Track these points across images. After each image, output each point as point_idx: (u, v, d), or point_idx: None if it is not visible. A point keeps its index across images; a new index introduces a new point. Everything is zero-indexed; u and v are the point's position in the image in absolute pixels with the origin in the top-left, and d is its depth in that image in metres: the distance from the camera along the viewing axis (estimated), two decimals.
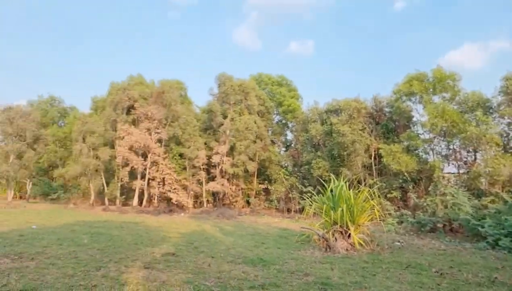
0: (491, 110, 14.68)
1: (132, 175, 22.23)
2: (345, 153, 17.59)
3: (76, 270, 5.81)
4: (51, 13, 59.49)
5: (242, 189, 24.80)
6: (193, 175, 23.30)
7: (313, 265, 6.97)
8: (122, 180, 22.04)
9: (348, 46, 38.91)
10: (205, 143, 23.82)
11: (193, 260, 7.04)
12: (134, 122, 23.29)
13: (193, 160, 22.66)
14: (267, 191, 24.58)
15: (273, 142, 27.14)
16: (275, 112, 28.50)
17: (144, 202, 22.58)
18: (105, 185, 22.98)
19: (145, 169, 22.09)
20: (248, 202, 24.92)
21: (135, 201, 22.42)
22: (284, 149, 29.08)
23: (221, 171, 23.26)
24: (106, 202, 22.89)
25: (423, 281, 6.05)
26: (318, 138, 20.37)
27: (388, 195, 15.09)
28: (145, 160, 22.20)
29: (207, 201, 23.95)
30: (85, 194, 24.24)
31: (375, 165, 16.80)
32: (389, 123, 17.31)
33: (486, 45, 29.54)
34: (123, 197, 23.17)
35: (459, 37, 31.84)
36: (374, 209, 9.73)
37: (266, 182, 24.57)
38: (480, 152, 14.16)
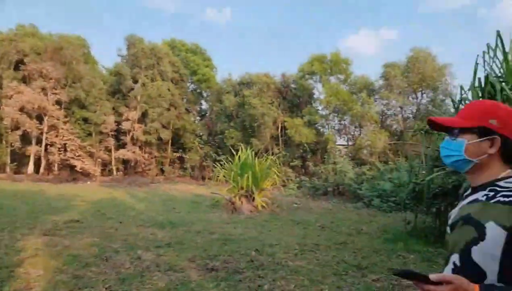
0: (373, 92, 17.30)
1: (26, 139, 20.14)
2: (255, 125, 18.80)
3: None
4: None
5: (155, 157, 24.59)
6: (100, 142, 22.18)
7: (219, 225, 7.82)
8: (13, 145, 19.82)
9: (264, 19, 39.84)
10: (114, 109, 22.59)
11: (100, 226, 7.13)
12: (25, 80, 20.70)
13: (100, 125, 21.49)
14: (181, 159, 24.84)
15: (187, 111, 27.15)
16: (189, 80, 28.26)
17: (42, 170, 20.77)
18: None
19: (41, 133, 20.16)
20: (162, 170, 24.89)
21: (30, 168, 20.35)
22: (199, 118, 29.33)
23: (132, 138, 22.64)
24: None
25: (308, 233, 7.38)
26: (232, 109, 21.19)
27: (291, 163, 16.92)
28: (41, 123, 20.19)
29: (117, 169, 23.22)
30: None
31: (281, 136, 18.45)
32: (294, 99, 18.97)
33: (377, 34, 33.44)
34: (15, 163, 20.92)
35: (358, 22, 35.24)
36: (276, 175, 11.08)
37: (181, 150, 24.75)
38: (364, 127, 16.75)
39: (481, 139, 1.09)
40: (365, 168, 14.51)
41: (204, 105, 29.81)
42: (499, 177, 1.08)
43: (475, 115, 1.12)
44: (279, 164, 12.98)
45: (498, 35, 5.34)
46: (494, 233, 0.96)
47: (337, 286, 4.17)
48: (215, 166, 12.40)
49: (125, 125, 21.78)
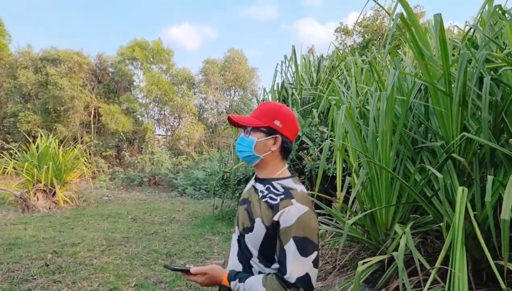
0: (194, 86, 18.12)
1: None
2: (62, 108, 16.33)
3: None
4: None
5: None
6: None
7: (2, 228, 6.47)
8: None
9: None
10: None
11: None
12: None
13: None
14: None
15: None
16: None
17: None
18: None
19: None
20: None
21: None
22: None
23: None
24: None
25: (117, 227, 7.06)
26: (30, 88, 17.60)
27: (104, 153, 15.63)
28: None
29: None
30: None
31: (94, 123, 16.72)
32: (111, 84, 17.54)
33: (200, 30, 35.11)
34: None
35: (182, 15, 35.81)
36: (84, 166, 10.00)
37: None
38: (183, 119, 17.32)
39: (267, 137, 1.25)
40: (181, 158, 15.02)
41: None
42: (275, 176, 1.26)
43: (264, 116, 1.26)
44: (89, 154, 11.81)
45: (293, 50, 6.56)
46: (259, 228, 1.18)
47: (145, 277, 4.24)
48: (2, 155, 10.13)
49: None
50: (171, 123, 17.87)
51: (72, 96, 15.97)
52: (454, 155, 2.46)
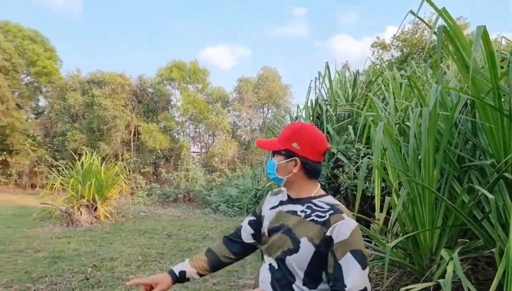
0: (228, 104, 18.50)
1: None
2: (105, 127, 17.27)
3: None
4: None
5: None
6: None
7: (48, 241, 6.81)
8: None
9: (121, 18, 37.17)
10: None
11: None
12: None
13: None
14: (5, 163, 20.44)
15: (19, 106, 22.62)
16: (25, 72, 23.70)
17: None
18: None
19: None
20: None
21: None
22: (34, 116, 24.82)
23: None
24: None
25: (153, 242, 7.19)
26: (77, 109, 18.87)
27: (142, 170, 16.22)
28: None
29: None
30: None
31: (133, 141, 17.49)
32: (151, 103, 18.37)
33: (234, 50, 36.21)
34: None
35: (217, 36, 37.20)
36: (124, 183, 10.39)
37: (5, 153, 20.38)
38: (217, 136, 17.64)
39: (287, 160, 1.27)
40: (215, 175, 15.22)
41: (43, 102, 25.43)
42: (312, 194, 1.27)
43: (283, 139, 1.29)
44: (129, 171, 12.27)
45: (327, 66, 6.47)
46: (306, 247, 1.15)
47: None
48: (51, 172, 10.77)
49: None
50: (206, 141, 18.28)
51: (115, 115, 16.84)
52: (506, 174, 2.27)
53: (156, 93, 17.93)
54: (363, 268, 1.10)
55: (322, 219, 1.16)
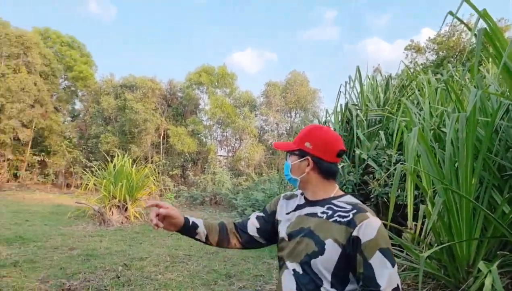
0: (255, 108, 18.59)
1: None
2: (136, 130, 17.84)
3: None
4: None
5: (8, 159, 20.72)
6: None
7: (81, 239, 7.08)
8: None
9: (153, 24, 38.45)
10: None
11: None
12: None
13: None
14: (43, 164, 21.56)
15: (57, 109, 23.86)
16: (62, 76, 25.01)
17: None
18: None
19: None
20: (16, 176, 21.12)
21: None
22: (70, 119, 26.08)
23: None
24: None
25: (180, 244, 7.30)
26: (110, 112, 19.64)
27: (170, 172, 16.58)
28: None
29: None
30: None
31: (163, 144, 17.94)
32: (180, 107, 18.80)
33: (261, 54, 36.43)
34: None
35: (245, 41, 37.62)
36: (153, 185, 10.67)
37: (43, 153, 21.51)
38: (244, 140, 17.74)
39: (300, 160, 1.27)
40: (241, 178, 15.29)
41: (78, 106, 26.68)
42: (332, 195, 1.25)
43: (298, 139, 1.29)
44: (158, 173, 12.58)
45: (358, 70, 6.25)
46: (332, 248, 1.13)
47: None
48: (85, 172, 11.23)
49: None
50: (233, 145, 18.46)
51: (145, 119, 17.36)
52: None
53: (185, 97, 18.34)
54: (393, 265, 1.09)
55: (345, 219, 1.14)
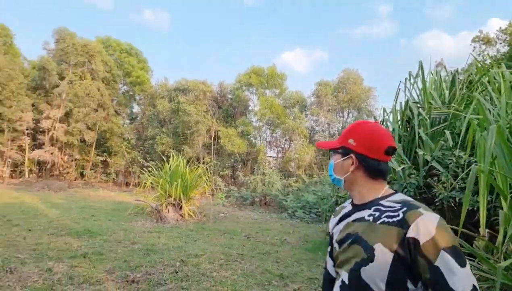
0: (305, 108, 18.36)
1: None
2: (188, 132, 18.54)
3: None
4: None
5: (76, 159, 22.71)
6: (13, 140, 19.81)
7: (141, 235, 7.49)
8: None
9: (204, 27, 39.87)
10: (33, 105, 20.48)
11: (4, 234, 6.44)
12: None
13: (15, 122, 19.24)
14: (105, 163, 23.31)
15: (117, 113, 25.68)
16: (122, 82, 26.87)
17: None
18: None
19: None
20: (82, 174, 23.07)
21: None
22: (129, 121, 27.91)
23: (52, 138, 20.65)
24: None
25: (233, 243, 7.43)
26: (165, 114, 20.64)
27: (221, 173, 16.98)
28: None
29: (30, 170, 20.89)
30: None
31: (213, 145, 18.45)
32: (230, 108, 19.20)
33: (311, 53, 35.88)
34: None
35: (293, 40, 37.40)
36: (206, 184, 11.00)
37: (105, 154, 23.25)
38: (294, 141, 17.60)
39: (343, 158, 1.17)
40: (291, 180, 15.19)
41: (136, 109, 28.46)
42: (380, 195, 1.13)
43: (341, 137, 1.20)
44: (210, 173, 12.94)
45: (421, 65, 5.73)
46: (383, 253, 1.01)
47: None
48: (142, 171, 11.89)
49: (45, 124, 19.80)
50: (282, 146, 18.42)
51: (197, 121, 17.98)
52: None
53: (235, 99, 18.70)
54: (464, 264, 0.95)
55: (395, 219, 1.02)
